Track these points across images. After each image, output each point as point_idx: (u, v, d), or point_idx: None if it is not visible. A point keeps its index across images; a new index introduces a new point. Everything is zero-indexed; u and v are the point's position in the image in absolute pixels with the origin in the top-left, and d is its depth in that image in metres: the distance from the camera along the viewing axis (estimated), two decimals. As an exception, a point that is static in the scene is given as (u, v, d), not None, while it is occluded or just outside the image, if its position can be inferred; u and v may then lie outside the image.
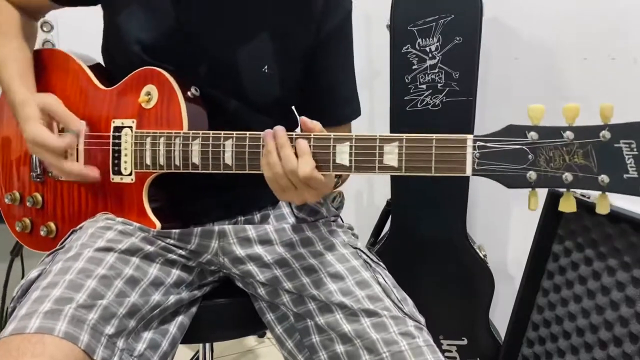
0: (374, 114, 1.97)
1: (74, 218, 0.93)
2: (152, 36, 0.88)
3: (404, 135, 0.71)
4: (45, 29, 1.75)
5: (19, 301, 0.78)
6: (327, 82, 0.98)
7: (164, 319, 0.84)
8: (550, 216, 1.25)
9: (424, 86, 1.40)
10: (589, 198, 1.14)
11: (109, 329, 0.73)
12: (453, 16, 1.34)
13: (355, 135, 0.73)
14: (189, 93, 0.87)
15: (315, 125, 0.76)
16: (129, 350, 0.75)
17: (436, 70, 1.38)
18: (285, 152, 0.73)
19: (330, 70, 0.97)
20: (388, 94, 1.44)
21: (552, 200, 1.23)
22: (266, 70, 0.90)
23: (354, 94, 1.02)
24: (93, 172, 0.88)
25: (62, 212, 0.95)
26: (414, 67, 1.40)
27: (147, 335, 0.79)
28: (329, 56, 0.95)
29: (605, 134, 0.62)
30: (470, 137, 0.68)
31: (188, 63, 0.89)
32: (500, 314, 1.50)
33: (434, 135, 0.69)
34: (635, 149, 0.61)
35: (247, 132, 0.78)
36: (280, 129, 0.75)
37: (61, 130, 0.89)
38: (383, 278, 0.86)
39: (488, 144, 0.67)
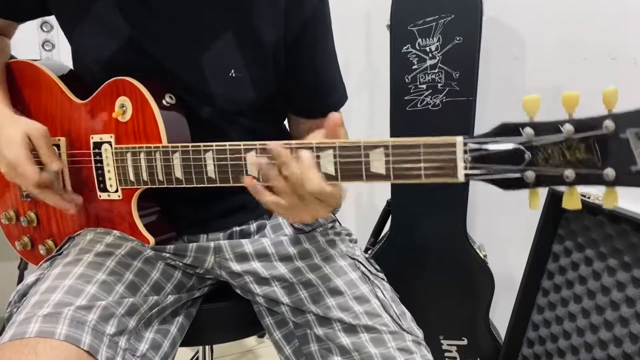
0: (374, 114, 1.97)
1: (70, 234, 0.91)
2: (108, 54, 0.84)
3: (390, 141, 0.65)
4: (45, 29, 1.75)
5: (16, 306, 0.78)
6: (310, 73, 0.92)
7: (164, 319, 0.83)
8: (551, 216, 1.25)
9: (424, 86, 1.40)
10: (589, 198, 1.14)
11: (110, 329, 0.73)
12: (453, 16, 1.34)
13: (339, 142, 0.67)
14: (163, 101, 0.81)
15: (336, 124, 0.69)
16: (131, 350, 0.75)
17: (436, 70, 1.38)
18: (291, 170, 0.67)
19: (311, 60, 0.92)
20: (388, 94, 1.43)
21: (553, 199, 1.23)
22: (234, 74, 0.85)
23: (339, 80, 0.97)
24: (73, 201, 0.86)
25: (57, 229, 0.94)
26: (414, 67, 1.40)
27: (149, 336, 0.79)
28: (308, 46, 0.90)
29: (609, 125, 0.56)
30: (459, 139, 0.63)
31: (151, 77, 0.84)
32: (500, 314, 1.50)
33: (421, 140, 0.64)
34: None
35: (227, 143, 0.73)
36: (277, 145, 0.68)
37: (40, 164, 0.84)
38: (382, 292, 0.85)
39: (480, 146, 0.62)
